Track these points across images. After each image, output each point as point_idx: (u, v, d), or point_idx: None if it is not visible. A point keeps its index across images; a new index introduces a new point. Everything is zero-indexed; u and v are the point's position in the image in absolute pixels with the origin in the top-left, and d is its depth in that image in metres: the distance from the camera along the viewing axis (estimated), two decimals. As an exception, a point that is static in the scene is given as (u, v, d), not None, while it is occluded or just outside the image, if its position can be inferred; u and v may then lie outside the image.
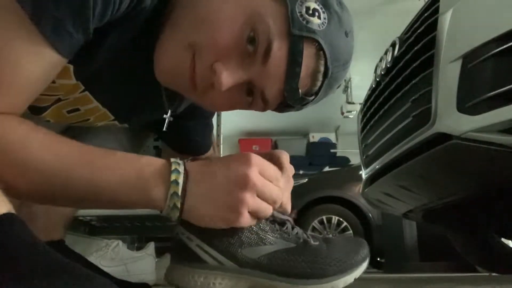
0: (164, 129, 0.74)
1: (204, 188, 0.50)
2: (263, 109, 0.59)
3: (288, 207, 0.59)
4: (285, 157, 0.59)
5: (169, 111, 0.71)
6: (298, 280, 0.61)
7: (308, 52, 0.52)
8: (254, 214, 0.52)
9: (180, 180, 0.49)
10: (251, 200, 0.50)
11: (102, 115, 0.68)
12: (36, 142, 0.47)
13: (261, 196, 0.52)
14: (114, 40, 0.54)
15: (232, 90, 0.54)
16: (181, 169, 0.50)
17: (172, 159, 0.51)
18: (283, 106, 0.58)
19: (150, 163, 0.50)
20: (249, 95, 0.56)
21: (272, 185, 0.53)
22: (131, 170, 0.49)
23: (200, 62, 0.52)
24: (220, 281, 0.60)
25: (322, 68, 0.54)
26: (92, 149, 0.50)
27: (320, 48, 0.53)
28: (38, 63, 0.48)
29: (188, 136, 0.84)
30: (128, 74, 0.62)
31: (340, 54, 0.55)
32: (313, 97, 0.57)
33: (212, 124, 0.91)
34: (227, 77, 0.51)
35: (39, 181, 0.47)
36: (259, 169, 0.51)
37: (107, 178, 0.48)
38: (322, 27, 0.52)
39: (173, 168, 0.50)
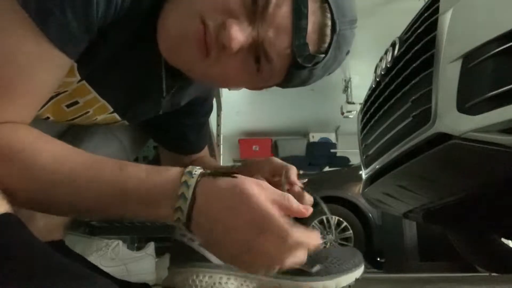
0: (160, 112, 0.72)
1: (213, 237, 0.46)
2: (271, 76, 0.58)
3: None
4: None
5: (162, 97, 0.70)
6: (303, 278, 0.61)
7: (312, 4, 0.53)
8: None
9: (183, 219, 0.46)
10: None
11: (102, 107, 0.68)
12: (44, 152, 0.47)
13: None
14: (117, 34, 0.55)
15: (241, 54, 0.54)
16: (185, 207, 0.45)
17: (181, 190, 0.45)
18: (293, 68, 0.56)
19: (155, 187, 0.46)
20: (256, 62, 0.56)
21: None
22: (137, 191, 0.46)
23: (212, 21, 0.52)
24: (226, 280, 0.60)
25: (329, 22, 0.54)
26: (101, 161, 0.48)
27: (324, 0, 0.53)
28: (48, 68, 0.48)
29: (184, 135, 0.84)
30: (129, 65, 0.62)
31: (345, 9, 0.55)
32: (323, 55, 0.56)
33: (209, 124, 0.90)
34: (238, 32, 0.51)
35: (46, 190, 0.46)
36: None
37: (113, 198, 0.47)
38: None
39: (176, 205, 0.45)
